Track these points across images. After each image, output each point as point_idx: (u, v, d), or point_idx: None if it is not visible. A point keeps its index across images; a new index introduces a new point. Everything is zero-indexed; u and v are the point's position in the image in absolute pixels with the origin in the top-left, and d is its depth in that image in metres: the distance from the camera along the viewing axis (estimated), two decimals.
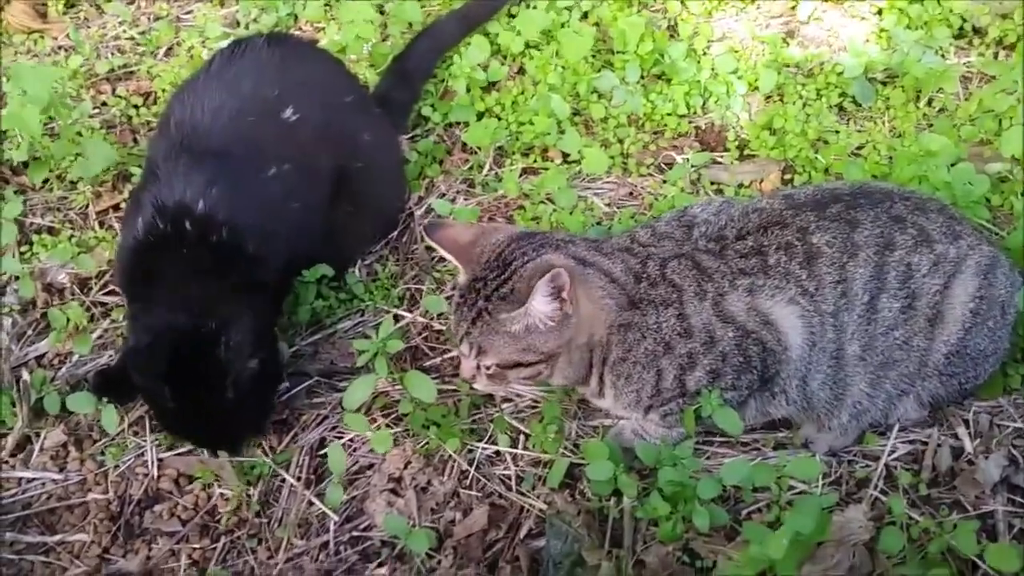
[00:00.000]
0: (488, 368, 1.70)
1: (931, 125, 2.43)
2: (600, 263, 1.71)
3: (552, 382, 1.76)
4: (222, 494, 1.90)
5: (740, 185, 2.33)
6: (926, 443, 1.84)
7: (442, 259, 2.26)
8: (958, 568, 1.61)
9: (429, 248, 2.29)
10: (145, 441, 1.99)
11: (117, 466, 1.96)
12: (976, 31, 2.64)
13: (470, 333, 1.68)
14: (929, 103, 2.51)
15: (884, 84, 2.56)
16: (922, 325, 1.70)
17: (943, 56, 2.57)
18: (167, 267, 1.87)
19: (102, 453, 1.98)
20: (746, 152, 2.44)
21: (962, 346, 1.72)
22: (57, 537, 1.88)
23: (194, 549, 1.83)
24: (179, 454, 1.98)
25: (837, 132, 2.43)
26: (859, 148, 2.40)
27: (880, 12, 2.65)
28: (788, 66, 2.59)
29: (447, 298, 2.13)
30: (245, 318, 1.82)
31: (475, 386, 1.78)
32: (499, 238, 1.72)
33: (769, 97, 2.55)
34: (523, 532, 1.77)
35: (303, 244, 2.06)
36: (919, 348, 1.72)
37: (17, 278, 2.27)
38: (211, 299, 1.83)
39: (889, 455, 1.82)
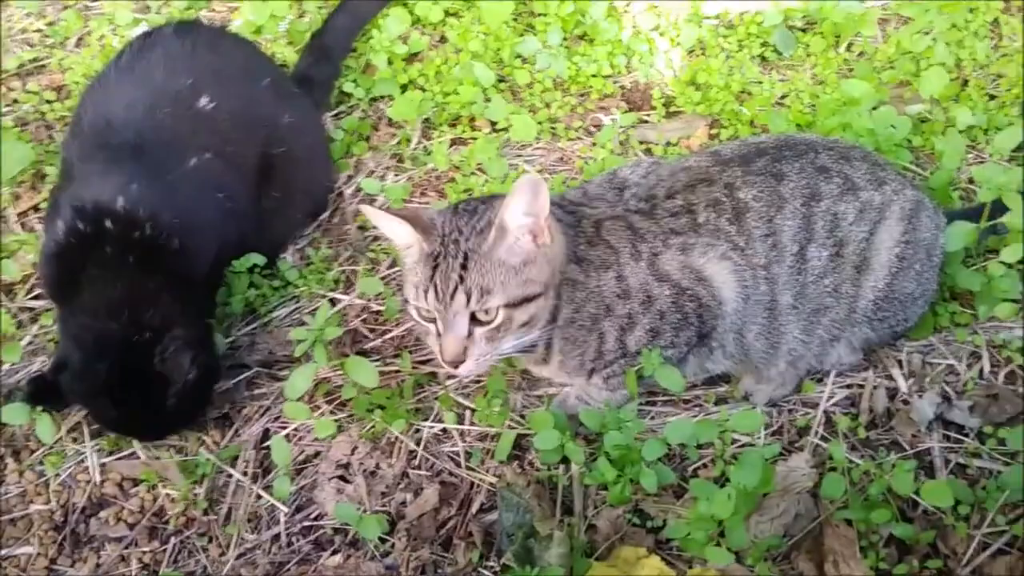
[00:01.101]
0: (491, 319, 1.61)
1: (852, 71, 2.45)
2: (551, 209, 1.67)
3: (540, 323, 1.66)
4: (168, 495, 1.86)
5: (668, 143, 2.33)
6: (862, 386, 1.86)
7: (376, 238, 2.24)
8: (898, 507, 1.64)
9: (362, 228, 2.27)
10: (85, 447, 1.94)
11: (58, 475, 1.91)
12: None
13: (463, 280, 1.58)
14: (849, 48, 2.53)
15: (804, 31, 2.57)
16: (850, 272, 1.72)
17: (860, 0, 2.57)
18: (92, 270, 1.82)
19: (41, 463, 1.93)
20: (672, 109, 2.43)
21: (890, 291, 1.75)
22: (2, 552, 1.83)
23: (144, 553, 1.80)
24: (121, 458, 1.94)
25: (760, 83, 2.44)
26: (783, 98, 2.41)
27: None
28: (708, 18, 2.58)
29: (383, 279, 2.10)
30: (179, 321, 1.80)
31: (462, 370, 1.65)
32: (446, 207, 1.71)
33: (692, 52, 2.54)
34: (475, 507, 1.77)
35: (231, 234, 2.02)
36: (848, 294, 1.74)
37: None
38: (141, 301, 1.80)
39: (827, 401, 1.85)
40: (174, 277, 1.85)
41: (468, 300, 1.58)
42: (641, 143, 2.35)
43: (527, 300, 1.62)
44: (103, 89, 1.98)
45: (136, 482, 1.90)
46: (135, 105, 1.92)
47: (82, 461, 1.93)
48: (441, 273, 1.60)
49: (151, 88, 1.95)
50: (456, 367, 1.63)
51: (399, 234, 1.65)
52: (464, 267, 1.59)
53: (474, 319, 1.60)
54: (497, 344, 1.63)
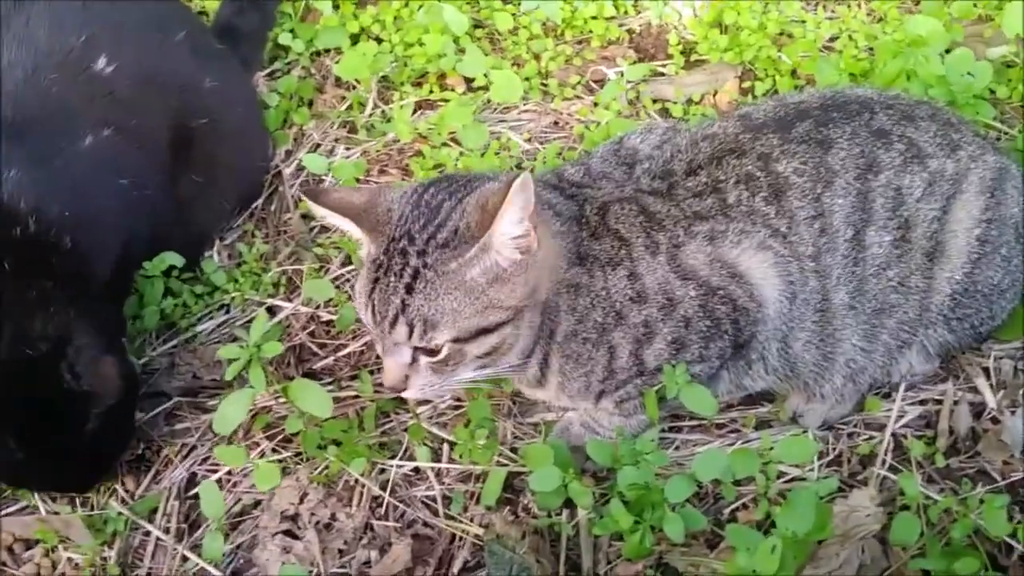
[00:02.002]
0: (438, 350, 1.62)
1: (917, 4, 2.48)
2: (542, 195, 1.70)
3: (513, 353, 1.69)
4: (71, 559, 1.88)
5: (689, 101, 2.37)
6: (940, 402, 1.90)
7: (324, 229, 2.26)
8: (989, 552, 1.67)
9: (306, 216, 2.28)
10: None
11: None
12: None
13: (407, 307, 1.59)
14: None
15: None
16: (920, 261, 1.74)
17: None
18: None
19: None
20: (693, 58, 2.47)
21: (971, 282, 1.77)
22: None
23: None
24: (9, 514, 1.95)
25: (803, 23, 2.48)
26: (831, 40, 2.44)
27: None
28: None
29: (334, 280, 2.12)
30: (81, 327, 1.80)
31: (407, 395, 1.70)
32: (410, 189, 1.68)
33: None
34: (457, 566, 1.79)
35: (140, 228, 2.04)
36: (919, 288, 1.76)
37: None
38: (35, 311, 1.80)
39: (896, 422, 1.88)
40: (67, 281, 1.86)
41: (410, 333, 1.60)
42: (655, 102, 2.39)
43: (485, 331, 1.63)
44: None
45: (30, 544, 1.92)
46: (13, 70, 1.93)
47: None
48: (381, 291, 1.61)
49: (33, 48, 1.95)
50: (398, 392, 1.68)
51: (348, 229, 1.68)
52: (409, 290, 1.59)
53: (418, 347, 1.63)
54: (448, 376, 1.67)
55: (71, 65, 1.96)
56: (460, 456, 1.90)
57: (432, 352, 1.62)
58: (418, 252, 1.59)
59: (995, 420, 1.86)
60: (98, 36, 1.99)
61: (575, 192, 1.77)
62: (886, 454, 1.84)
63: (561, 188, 1.77)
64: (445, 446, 1.93)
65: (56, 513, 1.93)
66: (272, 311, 2.13)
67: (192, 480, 1.95)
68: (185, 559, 1.86)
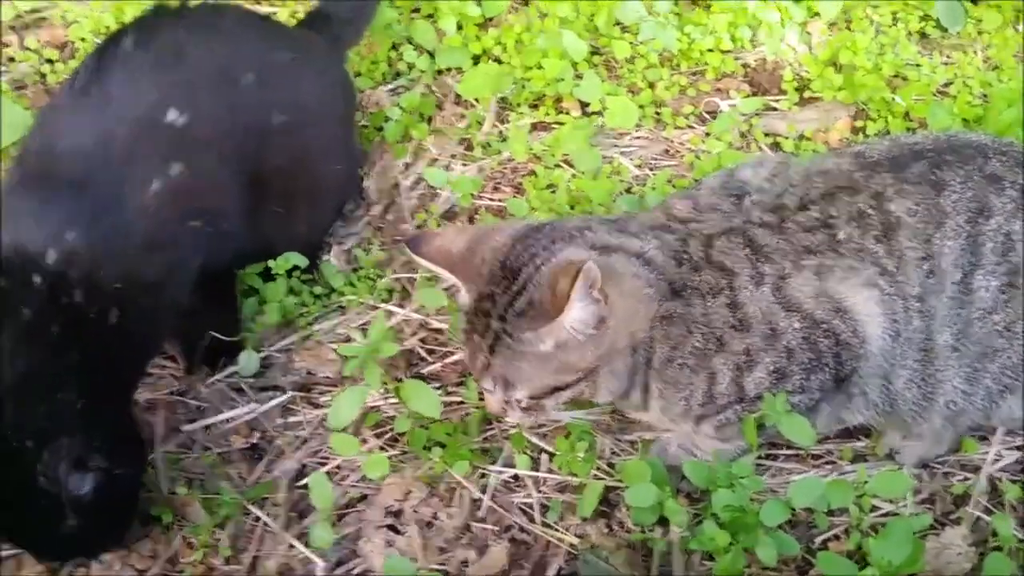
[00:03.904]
0: (520, 402, 1.77)
1: None
2: (628, 245, 1.77)
3: (597, 399, 1.82)
4: (184, 538, 1.96)
5: (801, 136, 2.40)
6: None
7: None
8: None
9: (421, 227, 2.36)
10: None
11: None
12: None
13: (490, 366, 1.74)
14: None
15: (975, 3, 2.61)
16: None
17: None
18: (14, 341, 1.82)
19: None
20: (807, 95, 2.50)
21: None
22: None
23: None
24: None
25: (919, 66, 2.50)
26: (946, 85, 2.46)
27: None
28: None
29: (446, 289, 2.19)
30: (75, 424, 1.78)
31: (509, 420, 1.87)
32: (500, 240, 1.77)
33: (833, 25, 2.61)
34: (551, 572, 1.83)
35: (218, 262, 2.07)
36: None
37: None
38: (35, 395, 1.79)
39: (993, 465, 1.89)
40: (94, 362, 1.83)
41: (494, 385, 1.76)
42: (767, 135, 2.43)
43: (558, 390, 1.76)
44: (54, 114, 2.02)
45: (147, 520, 1.98)
46: (87, 132, 1.93)
47: None
48: (471, 344, 1.76)
49: (107, 110, 1.95)
50: (504, 417, 1.81)
51: (445, 277, 1.84)
52: (491, 351, 1.73)
53: None
54: (539, 415, 1.83)
55: (142, 121, 1.94)
56: (559, 467, 1.96)
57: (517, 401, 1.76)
58: (499, 316, 1.71)
59: None
60: (169, 92, 1.97)
61: (678, 228, 1.82)
62: (981, 496, 1.85)
63: (666, 226, 1.82)
64: (544, 456, 1.99)
65: (173, 493, 2.02)
66: (385, 316, 2.20)
67: (302, 471, 2.02)
68: (292, 546, 1.92)
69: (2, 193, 1.94)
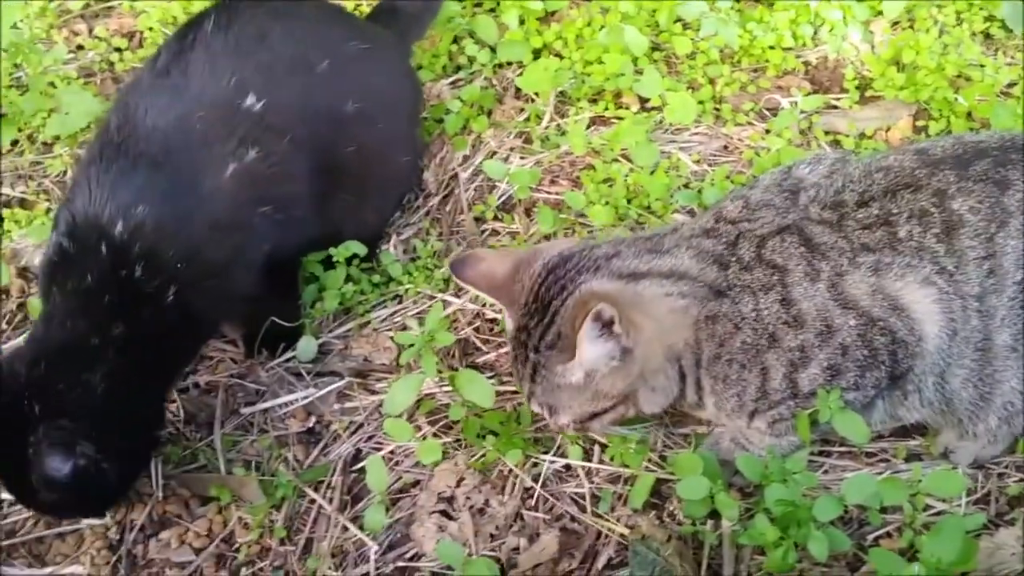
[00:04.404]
0: (568, 425, 1.83)
1: None
2: (659, 266, 1.80)
3: (647, 413, 1.86)
4: (241, 518, 2.00)
5: (862, 135, 2.39)
6: None
7: (495, 232, 2.37)
8: None
9: (478, 219, 2.39)
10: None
11: None
12: None
13: (533, 393, 1.81)
14: None
15: None
16: None
17: None
18: (59, 300, 1.90)
19: None
20: (868, 94, 2.49)
21: None
22: (48, 570, 2.00)
23: None
24: (188, 470, 2.09)
25: (982, 67, 2.47)
26: (1010, 86, 2.44)
27: None
28: None
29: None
30: (81, 409, 1.82)
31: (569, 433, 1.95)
32: (536, 269, 1.82)
33: (896, 24, 2.59)
34: (601, 562, 1.85)
35: (287, 248, 2.11)
36: None
37: None
38: (66, 368, 1.84)
39: None
40: (136, 347, 1.86)
41: (541, 410, 1.84)
42: (827, 133, 2.42)
43: (597, 415, 1.81)
44: (134, 93, 2.04)
45: (205, 500, 2.04)
46: (166, 112, 1.97)
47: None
48: (517, 370, 1.84)
49: (187, 92, 1.99)
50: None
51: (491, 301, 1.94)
52: (532, 379, 1.80)
53: None
54: (590, 429, 1.88)
55: (220, 105, 1.98)
56: (611, 458, 1.97)
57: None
58: (534, 348, 1.78)
59: None
60: (248, 77, 2.00)
61: (727, 230, 1.82)
62: None
63: (713, 230, 1.83)
64: (596, 447, 2.01)
65: (232, 474, 2.06)
66: (442, 306, 2.22)
67: (357, 456, 2.06)
68: (345, 529, 1.96)
69: (82, 163, 2.00)
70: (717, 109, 2.51)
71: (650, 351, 1.76)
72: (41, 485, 1.82)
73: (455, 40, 2.69)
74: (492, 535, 1.91)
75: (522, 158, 2.47)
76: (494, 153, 2.48)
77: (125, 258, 1.87)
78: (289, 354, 2.21)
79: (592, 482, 1.97)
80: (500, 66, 2.65)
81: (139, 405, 1.92)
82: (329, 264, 2.24)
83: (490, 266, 1.88)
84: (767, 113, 2.49)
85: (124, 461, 1.91)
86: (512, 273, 1.85)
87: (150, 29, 2.82)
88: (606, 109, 2.53)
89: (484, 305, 2.23)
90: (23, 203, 2.53)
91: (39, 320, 1.94)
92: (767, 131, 2.44)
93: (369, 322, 2.24)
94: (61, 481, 1.81)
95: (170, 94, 1.99)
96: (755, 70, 2.57)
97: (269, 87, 2.01)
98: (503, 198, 2.42)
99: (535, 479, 1.97)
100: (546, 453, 2.00)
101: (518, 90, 2.59)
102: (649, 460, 1.96)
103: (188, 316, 1.93)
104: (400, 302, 2.27)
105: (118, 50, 2.81)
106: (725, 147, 2.45)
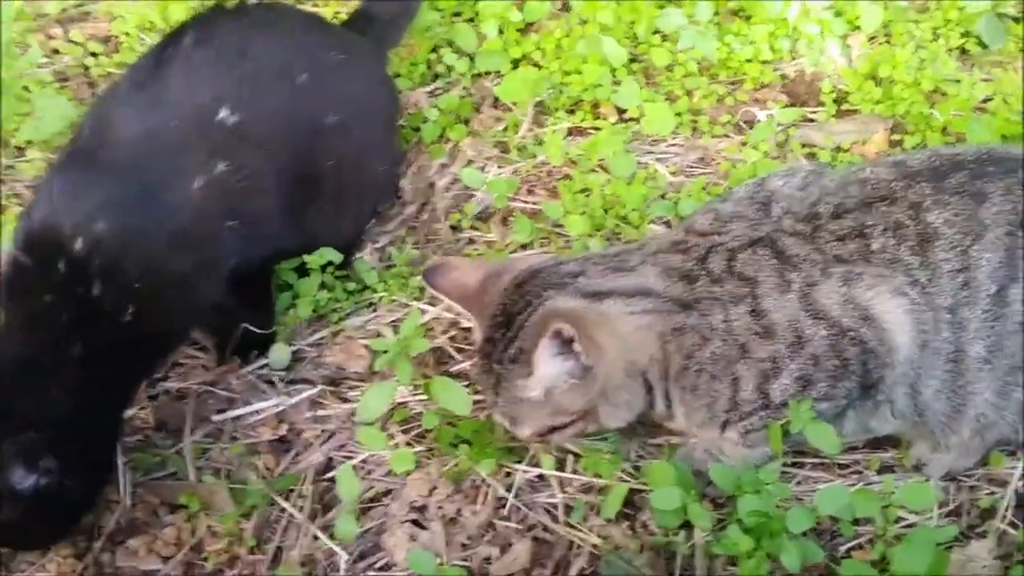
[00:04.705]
0: (528, 436, 1.86)
1: None
2: (623, 285, 1.81)
3: (609, 427, 1.88)
4: (210, 527, 1.98)
5: (838, 148, 2.40)
6: None
7: (471, 240, 2.36)
8: None
9: (455, 228, 2.38)
10: (116, 463, 2.08)
11: None
12: None
13: (496, 404, 1.83)
14: None
15: (1017, 21, 2.61)
16: None
17: None
18: (12, 315, 1.88)
19: None
20: (845, 107, 2.50)
21: None
22: None
23: None
24: (156, 478, 2.07)
25: (958, 82, 2.49)
26: (985, 101, 2.45)
27: None
28: None
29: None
30: (43, 422, 1.80)
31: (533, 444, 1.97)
32: (504, 283, 1.85)
33: (874, 38, 2.61)
34: (573, 572, 1.84)
35: (250, 263, 2.08)
36: None
37: None
38: (30, 382, 1.82)
39: (1021, 480, 1.88)
40: (96, 363, 1.84)
41: (503, 420, 1.86)
42: (803, 146, 2.43)
43: (556, 429, 1.83)
44: (109, 103, 2.03)
45: (174, 508, 2.02)
46: (137, 122, 1.95)
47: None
48: (481, 380, 1.87)
49: (162, 103, 1.96)
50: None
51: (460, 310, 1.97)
52: (495, 391, 1.82)
53: None
54: (552, 441, 1.92)
55: (195, 118, 1.96)
56: (584, 468, 1.97)
57: None
58: (498, 360, 1.80)
59: None
60: (226, 90, 1.98)
61: (696, 243, 1.83)
62: (1007, 510, 1.85)
63: (682, 243, 1.84)
64: (570, 457, 1.99)
65: (201, 482, 2.04)
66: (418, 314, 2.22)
67: (329, 464, 2.04)
68: (316, 538, 1.94)
69: (47, 171, 1.98)
70: (694, 121, 2.51)
71: (612, 369, 1.77)
72: (4, 501, 1.79)
73: (434, 49, 2.69)
74: (464, 545, 1.90)
75: (499, 167, 2.47)
76: (471, 162, 2.48)
77: (83, 274, 1.84)
78: (261, 361, 2.20)
79: (565, 492, 1.96)
80: (478, 75, 2.65)
81: (103, 424, 1.91)
82: (303, 271, 2.23)
83: (462, 276, 1.90)
84: (744, 125, 2.50)
85: (83, 480, 1.89)
86: (482, 284, 1.87)
87: (126, 34, 2.81)
88: (584, 119, 2.53)
89: (459, 314, 2.22)
90: None
91: None
92: (744, 143, 2.45)
93: (343, 330, 2.23)
94: (24, 494, 1.79)
95: (145, 105, 1.97)
96: (733, 83, 2.58)
97: (247, 101, 1.99)
98: (480, 207, 2.41)
99: (508, 489, 1.96)
100: (519, 463, 1.99)
101: (496, 99, 2.59)
102: (622, 470, 1.95)
103: (148, 330, 1.91)
104: (375, 310, 2.27)
105: (94, 55, 2.80)
106: (702, 159, 2.45)
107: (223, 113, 1.97)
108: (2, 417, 1.79)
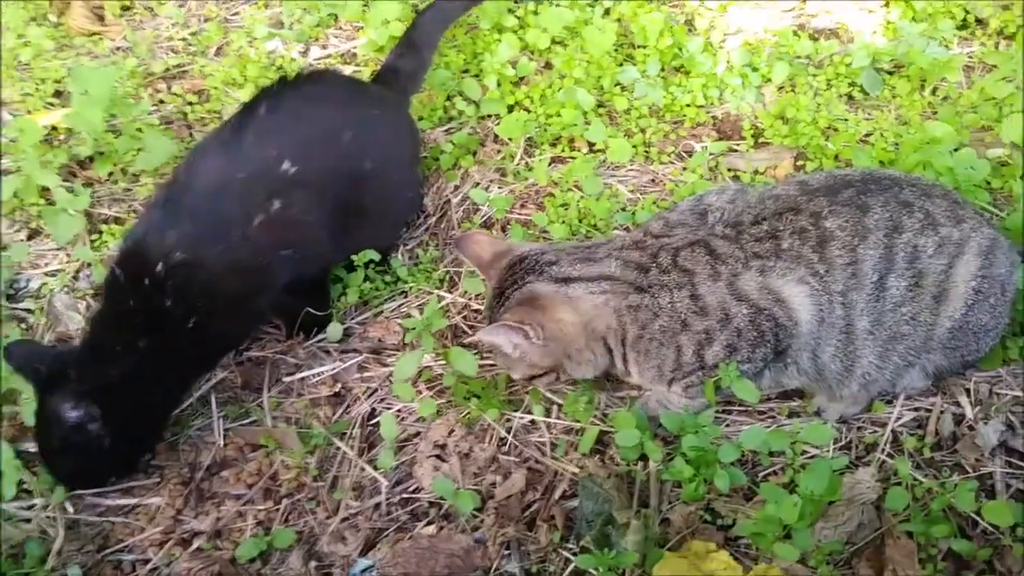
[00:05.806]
0: (519, 379, 1.92)
1: (935, 113, 2.47)
2: (588, 272, 1.81)
3: (578, 378, 1.90)
4: (283, 461, 1.98)
5: (755, 172, 2.39)
6: (930, 411, 1.90)
7: None
8: (958, 524, 1.68)
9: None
10: (211, 413, 2.07)
11: (189, 437, 2.05)
12: (979, 22, 2.69)
13: (493, 352, 1.86)
14: (934, 92, 2.55)
15: (891, 74, 2.60)
16: (928, 302, 1.75)
17: (947, 47, 2.61)
18: (105, 315, 1.90)
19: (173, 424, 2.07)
20: (761, 140, 2.49)
21: (965, 321, 1.77)
22: (134, 500, 1.97)
23: (259, 511, 1.92)
24: (243, 424, 2.06)
25: (846, 120, 2.48)
26: (867, 135, 2.44)
27: (887, 4, 2.69)
28: (799, 58, 2.63)
29: (483, 279, 2.20)
30: (118, 400, 1.81)
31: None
32: (505, 263, 1.88)
33: (782, 88, 2.59)
34: (558, 494, 1.85)
35: (302, 278, 2.05)
36: (925, 323, 1.77)
37: (89, 265, 2.36)
38: (108, 358, 1.82)
39: (896, 422, 1.89)
40: (155, 353, 1.84)
41: (502, 366, 1.93)
42: (730, 170, 2.41)
43: (535, 377, 1.89)
44: (198, 156, 2.00)
45: (255, 447, 2.02)
46: (217, 173, 1.93)
47: (209, 426, 2.06)
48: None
49: (237, 157, 1.95)
50: None
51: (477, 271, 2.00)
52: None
53: None
54: (537, 385, 1.96)
55: (261, 169, 1.94)
56: (566, 414, 1.97)
57: None
58: (492, 320, 1.86)
59: (971, 427, 1.86)
60: (287, 147, 1.95)
61: (651, 243, 1.84)
62: (886, 445, 1.85)
63: (640, 242, 1.85)
64: (555, 406, 2.00)
65: (276, 427, 2.03)
66: (438, 299, 2.21)
67: (372, 413, 2.04)
68: (363, 469, 1.95)
69: (148, 203, 1.98)
70: (647, 151, 2.50)
71: (572, 336, 1.80)
72: (53, 428, 1.81)
73: (448, 97, 2.67)
74: (475, 473, 1.90)
75: (499, 188, 2.46)
76: (478, 184, 2.47)
77: (160, 290, 1.84)
78: (320, 336, 2.18)
79: (551, 433, 1.96)
80: (483, 118, 2.63)
81: (147, 403, 1.89)
82: (351, 268, 2.21)
83: (481, 248, 1.94)
84: (684, 155, 2.49)
85: (123, 436, 1.87)
86: (493, 258, 1.90)
87: (215, 88, 2.78)
88: (563, 151, 2.52)
89: (471, 298, 2.21)
90: (117, 220, 2.48)
91: (90, 320, 1.95)
92: (684, 168, 2.43)
93: (382, 312, 2.22)
94: (67, 424, 1.79)
95: (224, 160, 1.95)
96: (675, 122, 2.57)
97: (303, 155, 1.97)
98: (485, 218, 2.39)
99: (508, 431, 1.96)
100: (517, 411, 1.99)
101: (496, 136, 2.57)
102: (595, 416, 1.95)
103: (204, 336, 1.90)
104: (406, 297, 2.25)
105: (190, 103, 2.77)
106: (652, 180, 2.44)
107: (285, 165, 1.95)
108: (75, 376, 1.80)
